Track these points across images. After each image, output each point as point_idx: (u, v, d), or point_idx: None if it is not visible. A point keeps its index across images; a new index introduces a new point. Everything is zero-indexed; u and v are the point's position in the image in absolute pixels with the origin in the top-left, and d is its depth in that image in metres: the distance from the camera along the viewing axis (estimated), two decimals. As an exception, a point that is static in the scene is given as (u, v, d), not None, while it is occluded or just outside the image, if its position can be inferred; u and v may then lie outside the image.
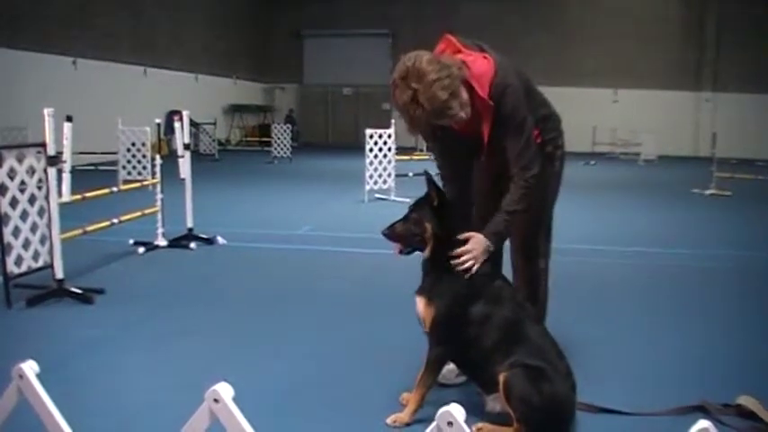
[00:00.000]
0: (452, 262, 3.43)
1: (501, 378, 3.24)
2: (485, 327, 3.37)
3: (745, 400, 3.55)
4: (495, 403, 3.35)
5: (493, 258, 3.69)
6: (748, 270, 7.35)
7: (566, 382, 3.30)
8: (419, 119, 3.34)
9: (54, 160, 5.68)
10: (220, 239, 8.08)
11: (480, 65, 3.50)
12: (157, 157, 8.17)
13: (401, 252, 3.59)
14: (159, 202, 7.79)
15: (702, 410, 3.55)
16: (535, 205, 3.87)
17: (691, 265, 7.46)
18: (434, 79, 3.25)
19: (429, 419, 1.51)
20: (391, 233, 3.57)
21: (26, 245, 5.67)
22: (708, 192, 14.39)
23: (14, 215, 5.55)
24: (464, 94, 3.42)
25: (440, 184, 3.70)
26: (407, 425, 3.38)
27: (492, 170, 3.87)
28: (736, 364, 4.46)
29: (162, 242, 7.74)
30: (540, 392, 3.19)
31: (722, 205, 13.06)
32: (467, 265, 3.42)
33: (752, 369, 4.38)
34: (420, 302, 3.48)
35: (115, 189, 7.74)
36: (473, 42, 3.65)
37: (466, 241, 3.46)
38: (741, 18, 28.56)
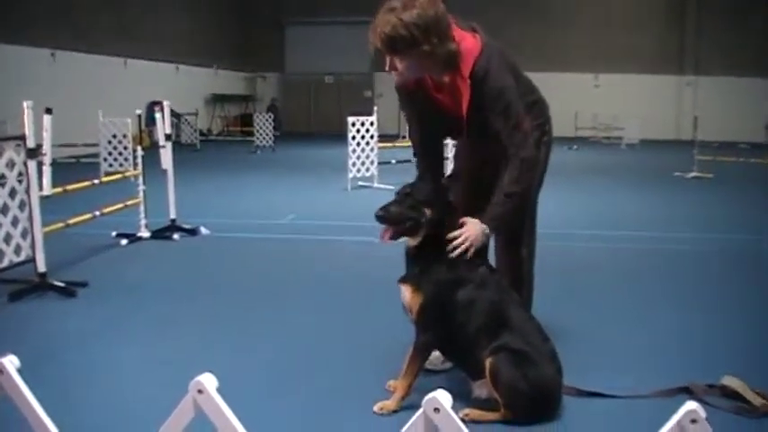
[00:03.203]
0: (448, 247, 3.40)
1: (487, 363, 3.24)
2: (470, 313, 3.37)
3: (730, 381, 3.57)
4: (481, 389, 3.36)
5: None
6: (731, 252, 7.38)
7: (551, 366, 3.31)
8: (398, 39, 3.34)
9: (34, 153, 5.64)
10: (204, 230, 8.04)
11: (468, 42, 3.52)
12: (139, 148, 8.12)
13: (391, 237, 3.43)
14: (141, 194, 7.74)
15: (688, 392, 3.57)
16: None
17: (674, 248, 7.50)
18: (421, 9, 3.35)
19: (415, 406, 1.51)
20: (386, 215, 3.41)
21: (7, 239, 5.62)
22: (690, 175, 14.47)
23: (-5, 209, 5.51)
24: (453, 43, 3.44)
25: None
26: (394, 412, 3.38)
27: (478, 153, 3.86)
28: (721, 345, 4.49)
29: (145, 234, 7.70)
30: (525, 377, 3.21)
31: (704, 188, 13.14)
32: (461, 249, 3.40)
33: (736, 350, 4.40)
34: (406, 290, 3.46)
35: (97, 181, 7.68)
36: (467, 24, 3.65)
37: (460, 226, 3.45)
38: (721, 2, 28.67)
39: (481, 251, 3.71)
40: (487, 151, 3.67)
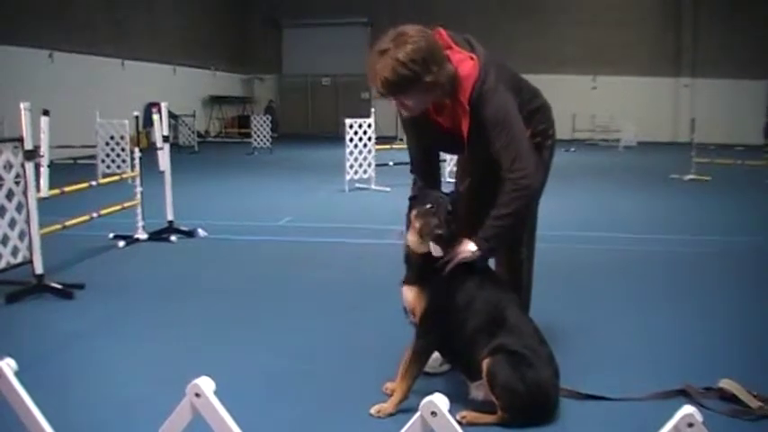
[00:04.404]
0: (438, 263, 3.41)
1: (484, 365, 3.24)
2: (468, 314, 3.37)
3: (727, 384, 3.57)
4: (478, 391, 3.36)
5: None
6: (729, 254, 7.39)
7: (548, 369, 3.31)
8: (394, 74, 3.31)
9: (31, 155, 5.63)
10: (201, 232, 8.03)
11: (466, 66, 3.48)
12: (136, 149, 8.11)
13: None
14: (139, 196, 7.73)
15: (685, 394, 3.57)
16: None
17: (672, 251, 7.50)
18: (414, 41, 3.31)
19: (413, 409, 1.51)
20: (446, 234, 3.36)
21: (5, 241, 5.61)
22: (687, 177, 14.48)
23: (-8, 211, 5.50)
24: (450, 65, 3.42)
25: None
26: (391, 415, 3.37)
27: (479, 169, 3.85)
28: (718, 348, 4.49)
29: (142, 235, 7.69)
30: (523, 379, 3.21)
31: (701, 190, 13.15)
32: (450, 266, 3.39)
33: (734, 352, 4.40)
34: (409, 293, 3.46)
35: (94, 183, 7.67)
36: (463, 38, 3.63)
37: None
38: (718, 4, 28.71)
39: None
40: (488, 167, 3.67)
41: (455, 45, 3.55)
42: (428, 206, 3.40)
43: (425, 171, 3.86)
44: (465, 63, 3.49)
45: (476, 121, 3.49)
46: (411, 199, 3.53)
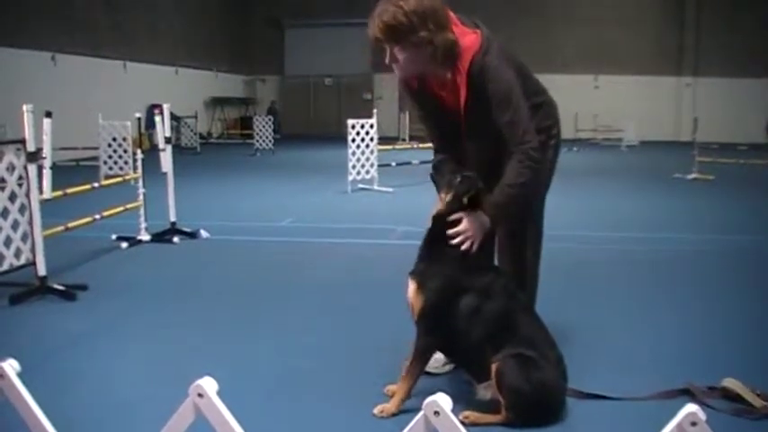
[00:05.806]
0: (450, 242, 3.40)
1: (493, 368, 3.23)
2: (476, 317, 3.35)
3: (731, 383, 3.57)
4: (486, 391, 3.34)
5: (485, 246, 3.66)
6: (731, 254, 7.38)
7: (556, 371, 3.31)
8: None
9: (34, 156, 5.63)
10: (203, 233, 8.04)
11: (468, 39, 3.52)
12: (138, 151, 8.11)
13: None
14: (141, 197, 7.74)
15: (688, 394, 3.56)
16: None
17: (675, 250, 7.49)
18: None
19: (416, 409, 1.50)
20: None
21: (7, 242, 5.62)
22: (690, 176, 14.46)
23: (-5, 213, 5.50)
24: (451, 34, 3.47)
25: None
26: (394, 415, 3.37)
27: (480, 156, 3.84)
28: (722, 347, 4.48)
29: (145, 237, 7.69)
30: (530, 382, 3.20)
31: (705, 190, 13.13)
32: (465, 246, 3.39)
33: (737, 351, 4.39)
34: (411, 286, 3.45)
35: (96, 184, 7.67)
36: (471, 20, 3.66)
37: (459, 221, 3.42)
38: (720, 2, 28.69)
39: (487, 252, 3.69)
40: (488, 151, 3.66)
41: (460, 24, 3.59)
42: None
43: (442, 141, 3.88)
44: (467, 36, 3.54)
45: (476, 90, 3.50)
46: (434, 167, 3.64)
